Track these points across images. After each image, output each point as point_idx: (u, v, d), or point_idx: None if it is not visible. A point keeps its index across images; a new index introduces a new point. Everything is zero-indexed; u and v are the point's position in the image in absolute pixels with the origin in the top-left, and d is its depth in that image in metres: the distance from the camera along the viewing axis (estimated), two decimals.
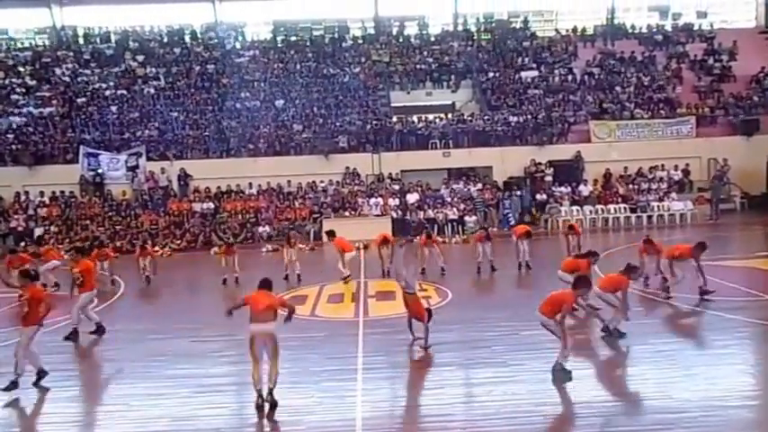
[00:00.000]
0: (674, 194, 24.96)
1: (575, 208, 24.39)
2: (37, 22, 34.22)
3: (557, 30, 33.96)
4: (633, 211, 24.36)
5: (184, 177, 25.86)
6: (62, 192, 25.43)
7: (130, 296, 15.66)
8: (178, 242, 23.34)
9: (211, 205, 25.00)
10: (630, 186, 25.55)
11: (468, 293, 14.52)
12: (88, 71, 30.56)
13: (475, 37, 33.43)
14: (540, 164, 26.06)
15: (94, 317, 12.01)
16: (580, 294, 9.06)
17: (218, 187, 25.75)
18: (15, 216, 24.44)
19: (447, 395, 8.18)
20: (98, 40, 32.81)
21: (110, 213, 24.64)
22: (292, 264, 16.39)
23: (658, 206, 24.37)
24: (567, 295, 8.78)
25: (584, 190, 25.34)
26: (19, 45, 33.21)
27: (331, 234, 16.84)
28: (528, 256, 16.27)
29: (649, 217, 24.22)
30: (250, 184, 25.80)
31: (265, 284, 8.42)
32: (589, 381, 8.63)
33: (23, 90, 29.26)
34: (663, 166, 26.31)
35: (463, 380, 9.13)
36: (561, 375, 8.53)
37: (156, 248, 22.42)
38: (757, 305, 11.93)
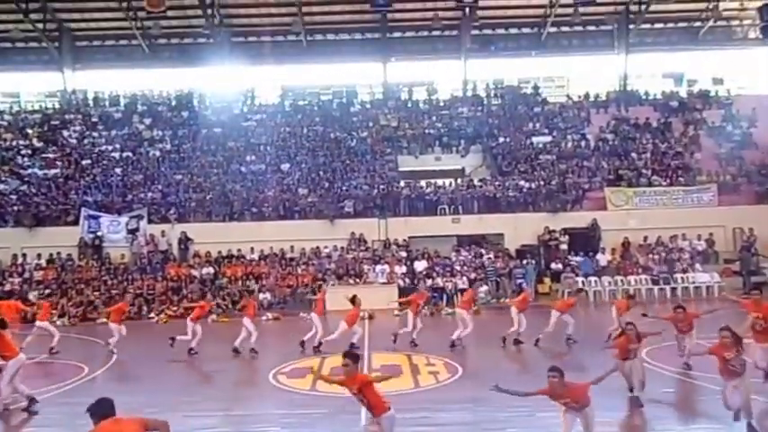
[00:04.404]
0: (698, 265, 23.72)
1: (592, 279, 23.19)
2: (48, 86, 34.62)
3: (568, 96, 33.66)
4: (655, 282, 23.09)
5: (185, 241, 25.17)
6: (59, 254, 24.79)
7: (124, 365, 14.87)
8: (175, 309, 22.34)
9: (211, 270, 24.14)
10: (651, 256, 24.35)
11: (480, 369, 13.49)
12: (96, 134, 30.63)
13: (485, 102, 33.22)
14: (554, 231, 25.06)
15: (24, 389, 10.97)
16: None
17: (219, 252, 24.98)
18: (11, 279, 23.73)
19: None
20: (107, 103, 33.07)
21: (105, 277, 23.81)
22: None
23: (682, 278, 23.11)
24: None
25: (602, 259, 24.19)
26: (29, 108, 33.44)
27: (354, 301, 15.57)
28: (572, 330, 15.37)
29: (673, 289, 22.91)
30: (252, 248, 24.99)
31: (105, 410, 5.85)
32: None
33: (29, 152, 29.16)
34: (684, 235, 25.13)
35: None
36: None
37: (152, 315, 21.77)
38: None
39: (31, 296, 22.80)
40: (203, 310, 16.40)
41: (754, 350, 10.51)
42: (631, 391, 10.31)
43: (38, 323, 16.29)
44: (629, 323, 10.82)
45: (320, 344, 15.18)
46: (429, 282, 23.04)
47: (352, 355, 7.97)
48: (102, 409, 5.81)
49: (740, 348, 8.83)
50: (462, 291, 22.56)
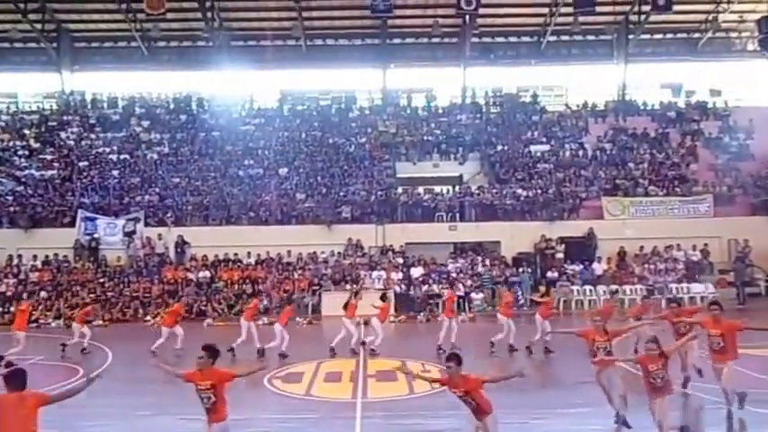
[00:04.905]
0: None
1: (587, 288, 23.18)
2: (46, 87, 34.55)
3: (567, 105, 33.76)
4: (650, 292, 23.04)
5: (182, 244, 25.10)
6: (55, 255, 24.70)
7: (117, 367, 14.78)
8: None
9: (207, 274, 24.10)
10: (646, 266, 24.36)
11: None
12: (93, 135, 30.58)
13: (483, 110, 33.29)
14: (550, 240, 25.06)
15: None
16: None
17: (216, 255, 24.92)
18: (6, 280, 23.64)
19: None
20: (105, 105, 33.01)
21: (102, 280, 23.76)
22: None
23: (677, 288, 23.11)
24: None
25: (598, 268, 24.19)
26: (26, 108, 33.37)
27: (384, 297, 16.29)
28: None
29: (668, 299, 22.88)
30: (249, 253, 24.95)
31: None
32: None
33: (26, 153, 29.09)
34: (679, 245, 25.15)
35: None
36: None
37: (147, 318, 21.73)
38: None
39: (26, 297, 22.77)
40: (256, 308, 17.03)
41: (713, 370, 10.04)
42: (611, 403, 9.59)
43: (74, 325, 16.86)
44: (596, 317, 10.25)
45: (373, 349, 15.54)
46: (425, 288, 23.08)
47: (211, 349, 7.63)
48: (15, 380, 6.05)
49: (665, 363, 8.24)
50: (458, 298, 22.70)
